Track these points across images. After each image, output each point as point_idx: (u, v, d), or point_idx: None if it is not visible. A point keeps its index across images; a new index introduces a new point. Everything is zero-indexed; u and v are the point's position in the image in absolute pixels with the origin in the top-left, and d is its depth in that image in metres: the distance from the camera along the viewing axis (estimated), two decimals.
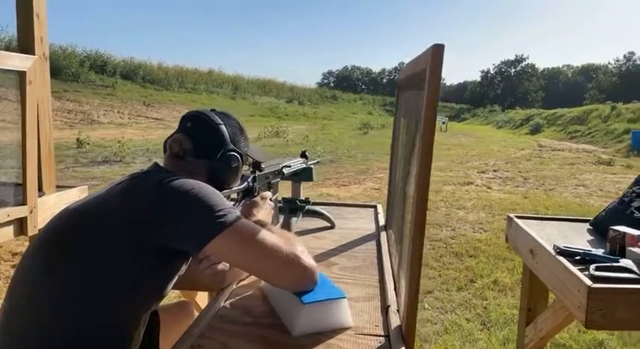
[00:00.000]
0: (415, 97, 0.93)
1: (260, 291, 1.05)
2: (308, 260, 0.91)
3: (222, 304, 0.99)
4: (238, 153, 1.07)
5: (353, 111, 39.03)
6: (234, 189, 1.11)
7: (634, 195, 1.49)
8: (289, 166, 1.40)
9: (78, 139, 10.54)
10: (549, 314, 1.50)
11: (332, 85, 68.11)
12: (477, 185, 7.96)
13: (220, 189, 1.04)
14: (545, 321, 1.54)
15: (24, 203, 1.60)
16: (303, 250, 0.93)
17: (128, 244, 0.84)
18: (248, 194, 1.17)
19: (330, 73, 75.93)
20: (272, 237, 0.90)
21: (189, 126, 1.04)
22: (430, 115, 0.77)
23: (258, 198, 1.17)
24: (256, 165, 1.21)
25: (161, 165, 1.03)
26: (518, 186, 7.97)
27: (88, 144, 10.72)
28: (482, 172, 9.51)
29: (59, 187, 1.90)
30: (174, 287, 1.05)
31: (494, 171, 9.74)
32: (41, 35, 1.70)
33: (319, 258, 1.29)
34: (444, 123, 25.83)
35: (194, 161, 1.02)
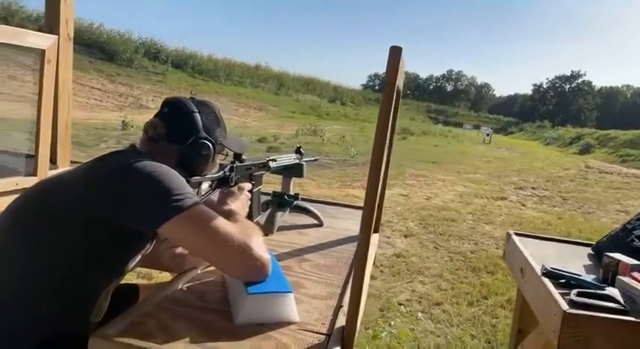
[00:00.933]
0: None
1: (222, 278, 1.07)
2: (260, 252, 0.92)
3: (179, 286, 1.01)
4: (211, 141, 1.09)
5: None
6: (207, 176, 1.13)
7: (638, 222, 1.41)
8: (275, 160, 1.41)
9: (123, 121, 10.99)
10: (534, 337, 1.45)
11: (377, 87, 67.76)
12: (510, 201, 7.71)
13: (191, 176, 1.06)
14: (531, 344, 1.48)
15: (34, 174, 1.70)
16: (258, 242, 0.94)
17: (86, 220, 0.88)
18: (223, 183, 1.19)
19: (376, 75, 75.47)
20: (227, 225, 0.91)
21: (165, 111, 1.07)
22: (384, 116, 0.76)
23: (235, 188, 1.19)
24: (237, 156, 1.23)
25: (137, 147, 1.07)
26: (556, 206, 7.65)
27: (132, 126, 11.15)
28: (520, 188, 9.18)
29: (74, 163, 2.00)
30: (141, 266, 1.09)
31: (533, 188, 9.38)
32: (67, 17, 1.79)
33: (295, 253, 1.30)
34: (488, 135, 25.18)
35: (166, 145, 1.05)
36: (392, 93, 0.75)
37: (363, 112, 34.46)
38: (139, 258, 1.00)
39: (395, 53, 0.74)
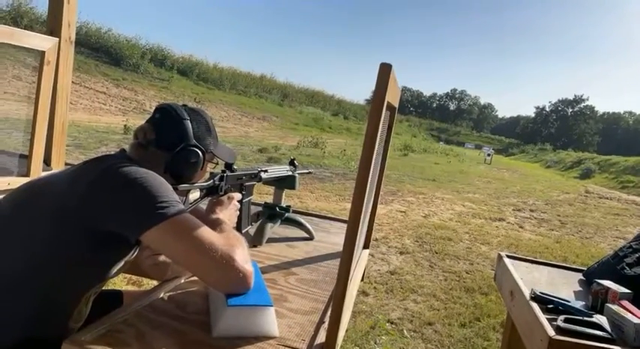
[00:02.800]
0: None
1: (204, 289, 1.05)
2: (243, 264, 0.90)
3: (160, 295, 1.00)
4: (200, 149, 1.08)
5: (397, 132, 38.80)
6: (196, 185, 1.12)
7: (630, 250, 1.39)
8: (266, 171, 1.41)
9: (125, 126, 11.04)
10: None
11: None
12: (508, 222, 7.67)
13: (179, 183, 1.06)
14: None
15: (27, 174, 1.69)
16: (242, 253, 0.93)
17: (68, 223, 0.87)
18: (213, 192, 1.18)
19: None
20: (211, 235, 0.90)
21: (157, 117, 1.07)
22: (372, 133, 0.76)
23: (224, 198, 1.18)
24: (228, 166, 1.22)
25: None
26: (553, 229, 7.60)
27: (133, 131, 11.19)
28: (518, 210, 9.14)
29: (68, 165, 1.99)
30: (125, 272, 1.07)
31: (532, 210, 9.34)
32: (69, 20, 1.80)
33: (282, 266, 1.29)
34: (489, 155, 25.20)
35: (155, 151, 1.04)
36: (380, 110, 0.75)
37: (365, 127, 34.53)
38: (122, 264, 0.98)
39: (384, 70, 0.74)
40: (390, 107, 1.09)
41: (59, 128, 1.88)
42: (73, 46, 1.85)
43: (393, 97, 0.99)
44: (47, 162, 1.88)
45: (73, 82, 1.96)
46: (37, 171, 1.73)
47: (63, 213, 0.88)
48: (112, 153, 1.06)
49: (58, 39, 1.69)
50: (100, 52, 22.81)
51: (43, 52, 1.60)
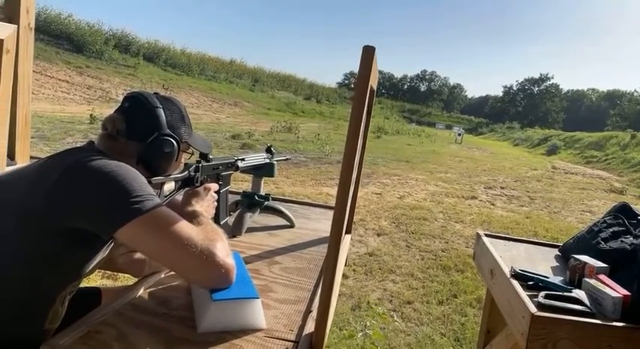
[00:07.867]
0: None
1: (187, 283, 1.02)
2: (224, 258, 0.87)
3: (140, 292, 0.96)
4: (175, 139, 1.03)
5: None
6: (171, 176, 1.08)
7: (604, 225, 1.43)
8: (244, 159, 1.37)
9: (91, 115, 10.67)
10: (502, 338, 1.46)
11: (352, 85, 68.16)
12: (480, 200, 7.84)
13: (153, 175, 1.01)
14: (500, 345, 1.49)
15: None
16: (223, 247, 0.89)
17: (37, 221, 0.82)
18: (188, 183, 1.14)
19: (351, 73, 75.84)
20: (189, 229, 0.86)
21: (126, 106, 1.01)
22: (357, 116, 0.74)
23: (200, 189, 1.14)
24: (203, 156, 1.18)
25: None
26: (523, 205, 7.82)
27: (100, 120, 10.83)
28: (489, 188, 9.35)
29: (33, 158, 1.90)
30: (100, 268, 1.03)
31: (502, 188, 9.57)
32: (28, 5, 1.69)
33: (265, 255, 1.27)
34: (459, 135, 25.64)
35: (125, 142, 0.99)
36: (365, 93, 0.73)
37: (338, 110, 34.50)
38: (95, 262, 0.94)
39: (368, 53, 0.72)
40: (371, 90, 1.07)
41: (22, 120, 1.79)
42: (32, 33, 1.75)
43: (374, 80, 0.97)
44: (11, 156, 1.79)
45: (34, 70, 1.86)
46: (1, 166, 1.64)
47: (29, 210, 0.83)
48: (80, 145, 1.00)
49: (16, 26, 1.59)
50: (61, 38, 21.85)
51: (2, 40, 1.50)
